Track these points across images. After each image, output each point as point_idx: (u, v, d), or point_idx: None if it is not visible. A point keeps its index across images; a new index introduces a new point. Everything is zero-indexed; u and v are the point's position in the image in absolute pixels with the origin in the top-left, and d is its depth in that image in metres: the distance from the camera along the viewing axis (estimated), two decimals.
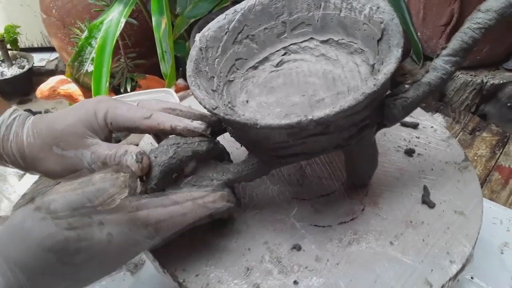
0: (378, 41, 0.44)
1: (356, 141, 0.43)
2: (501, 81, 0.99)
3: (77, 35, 1.09)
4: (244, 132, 0.42)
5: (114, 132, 0.46)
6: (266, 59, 0.52)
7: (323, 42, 0.51)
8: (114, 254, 0.36)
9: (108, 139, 0.45)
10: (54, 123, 0.44)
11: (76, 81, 1.08)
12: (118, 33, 0.96)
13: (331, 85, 0.48)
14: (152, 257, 0.44)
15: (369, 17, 0.45)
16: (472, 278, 0.57)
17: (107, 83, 0.96)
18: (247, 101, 0.49)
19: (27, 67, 1.70)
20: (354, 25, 0.47)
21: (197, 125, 0.43)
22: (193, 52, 0.46)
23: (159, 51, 0.95)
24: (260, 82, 0.50)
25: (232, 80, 0.49)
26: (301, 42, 0.52)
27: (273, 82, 0.50)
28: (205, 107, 0.40)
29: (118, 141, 0.53)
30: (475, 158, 0.80)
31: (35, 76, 1.73)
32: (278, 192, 0.50)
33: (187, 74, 0.44)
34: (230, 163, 0.45)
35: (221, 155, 0.45)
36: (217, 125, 0.46)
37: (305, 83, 0.49)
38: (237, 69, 0.50)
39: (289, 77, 0.50)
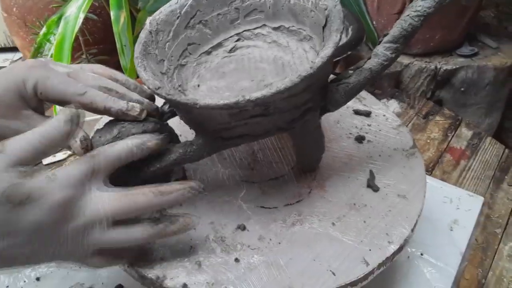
0: (323, 27, 0.43)
1: (300, 125, 0.42)
2: (454, 67, 0.99)
3: (37, 32, 1.05)
4: (188, 113, 0.40)
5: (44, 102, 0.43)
6: (219, 44, 0.50)
7: (275, 29, 0.50)
8: (64, 215, 0.33)
9: (39, 109, 0.42)
10: None
11: None
12: (77, 28, 0.92)
13: (280, 70, 0.47)
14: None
15: (316, 3, 0.44)
16: (422, 254, 0.57)
17: None
18: (198, 86, 0.47)
19: None
20: (303, 12, 0.46)
21: (132, 108, 0.40)
22: (142, 35, 0.45)
23: (118, 45, 0.91)
24: (212, 67, 0.49)
25: (184, 65, 0.48)
26: (254, 28, 0.50)
27: (225, 67, 0.49)
28: (149, 87, 0.39)
29: None
30: (428, 141, 0.80)
31: None
32: (229, 175, 0.49)
33: (134, 56, 0.42)
34: (176, 144, 0.44)
35: (169, 136, 0.44)
36: (154, 112, 0.43)
37: (255, 68, 0.48)
38: (190, 53, 0.49)
39: (241, 63, 0.49)
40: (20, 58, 1.70)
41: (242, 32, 0.50)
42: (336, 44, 0.37)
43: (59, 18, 0.89)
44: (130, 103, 0.40)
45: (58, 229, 0.33)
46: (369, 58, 0.42)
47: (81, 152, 0.37)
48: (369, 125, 0.58)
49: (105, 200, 0.35)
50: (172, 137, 0.44)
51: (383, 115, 0.60)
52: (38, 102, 0.41)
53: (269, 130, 0.41)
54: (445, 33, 0.97)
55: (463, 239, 0.61)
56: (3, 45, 1.75)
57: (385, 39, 0.41)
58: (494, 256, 0.60)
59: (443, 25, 0.96)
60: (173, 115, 0.47)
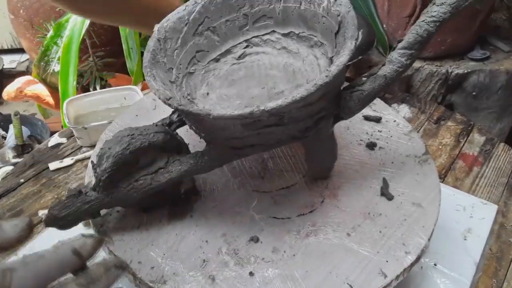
0: (336, 34, 0.43)
1: (313, 133, 0.42)
2: (466, 71, 0.99)
3: (44, 34, 1.06)
4: (200, 123, 0.41)
5: None
6: (228, 51, 0.51)
7: (284, 35, 0.50)
8: None
9: None
10: None
11: (43, 81, 1.05)
12: (84, 30, 0.94)
13: (291, 77, 0.47)
14: (108, 250, 0.43)
15: (327, 9, 0.44)
16: (435, 264, 0.57)
17: (75, 82, 0.94)
18: (207, 94, 0.48)
19: None
20: (313, 18, 0.46)
21: None
22: (151, 43, 0.45)
23: (125, 48, 0.93)
24: (221, 75, 0.49)
25: (193, 72, 0.49)
26: (263, 35, 0.51)
27: (234, 74, 0.49)
28: (159, 98, 0.39)
29: None
30: (440, 147, 0.80)
31: (5, 78, 1.68)
32: (239, 184, 0.50)
33: (143, 65, 0.43)
34: (186, 154, 0.44)
35: (179, 147, 0.44)
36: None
37: (266, 75, 0.48)
38: (198, 61, 0.49)
39: (250, 70, 0.49)
40: (27, 59, 1.71)
41: (251, 38, 0.51)
42: (351, 51, 0.38)
43: (66, 21, 0.90)
44: None
45: None
46: (384, 65, 0.43)
47: None
48: (379, 131, 0.58)
49: None
50: (181, 147, 0.45)
51: (394, 121, 0.60)
52: None
53: (282, 139, 0.41)
54: (456, 36, 0.97)
55: (477, 249, 0.60)
56: (10, 47, 1.76)
57: (400, 45, 0.42)
58: (509, 267, 0.60)
59: (455, 29, 0.96)
60: (181, 124, 0.47)
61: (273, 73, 0.48)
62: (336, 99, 0.42)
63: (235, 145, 0.41)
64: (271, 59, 0.50)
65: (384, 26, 1.02)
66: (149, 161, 0.42)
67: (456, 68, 0.99)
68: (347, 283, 0.40)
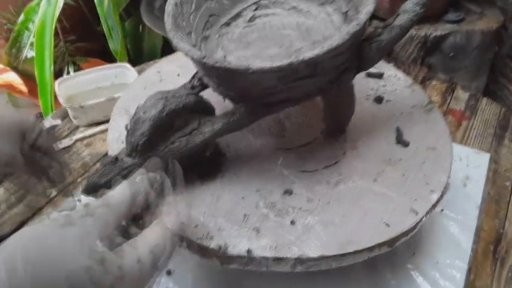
0: None
1: (337, 85, 0.45)
2: (443, 33, 1.05)
3: (13, 21, 1.03)
4: (232, 81, 0.42)
5: None
6: (238, 15, 0.52)
7: None
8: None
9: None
10: None
11: (15, 69, 1.02)
12: (57, 13, 0.92)
13: (305, 35, 0.50)
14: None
15: None
16: (442, 210, 0.62)
17: (51, 67, 0.92)
18: (224, 57, 0.49)
19: None
20: None
21: None
22: (169, 8, 0.46)
23: (105, 28, 0.92)
24: (235, 38, 0.51)
25: (208, 36, 0.50)
26: None
27: (248, 37, 0.51)
28: (192, 58, 0.41)
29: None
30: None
31: None
32: (262, 144, 0.52)
33: (167, 29, 0.44)
34: (216, 115, 0.46)
35: (207, 109, 0.46)
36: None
37: (280, 35, 0.50)
38: (211, 25, 0.51)
39: (263, 31, 0.51)
40: None
41: (260, 0, 0.53)
42: (375, 0, 0.40)
43: (37, 4, 0.87)
44: None
45: None
46: (398, 15, 0.46)
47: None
48: (384, 86, 0.61)
49: None
50: (209, 109, 0.47)
51: (395, 76, 0.64)
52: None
53: (310, 92, 0.44)
54: (432, 0, 1.03)
55: (477, 193, 0.66)
56: None
57: None
58: (508, 207, 0.65)
59: None
60: (203, 88, 0.49)
61: (287, 32, 0.51)
62: (357, 51, 0.45)
63: (267, 101, 0.43)
64: (282, 20, 0.52)
65: None
66: (182, 124, 0.43)
67: (434, 31, 1.05)
68: (384, 223, 0.43)
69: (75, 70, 1.12)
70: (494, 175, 0.70)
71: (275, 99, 0.43)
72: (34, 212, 0.61)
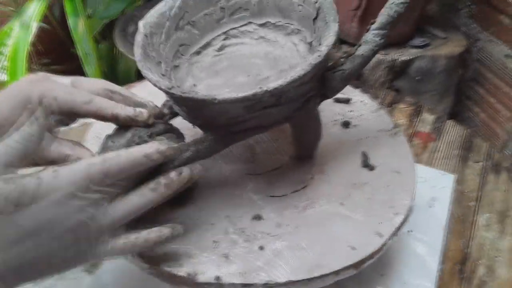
0: (314, 20, 0.48)
1: (303, 113, 0.47)
2: (409, 58, 1.10)
3: None
4: (200, 111, 0.44)
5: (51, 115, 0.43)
6: (208, 44, 0.54)
7: (261, 25, 0.54)
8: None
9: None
10: None
11: None
12: (30, 38, 0.93)
13: (273, 64, 0.52)
14: None
15: None
16: (409, 231, 0.64)
17: None
18: (194, 85, 0.51)
19: None
20: (289, 7, 0.52)
21: (140, 114, 0.42)
22: (139, 38, 0.47)
23: (81, 53, 0.93)
24: (205, 66, 0.53)
25: (178, 66, 0.52)
26: (240, 26, 0.55)
27: (217, 65, 0.53)
28: (160, 89, 0.42)
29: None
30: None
31: None
32: (232, 170, 0.53)
33: (137, 59, 0.45)
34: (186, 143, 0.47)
35: (178, 137, 0.47)
36: (159, 115, 0.46)
37: (248, 64, 0.53)
38: (182, 55, 0.52)
39: (232, 60, 0.54)
40: None
41: (229, 30, 0.55)
42: (336, 32, 0.43)
43: (10, 29, 0.88)
44: (138, 109, 0.43)
45: (71, 224, 0.35)
46: (359, 45, 0.49)
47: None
48: (350, 111, 0.64)
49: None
50: (180, 137, 0.48)
51: (361, 101, 0.67)
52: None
53: (278, 120, 0.46)
54: (398, 26, 1.08)
55: (443, 214, 0.68)
56: None
57: (373, 26, 0.48)
58: (472, 227, 0.68)
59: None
60: (173, 116, 0.50)
61: (255, 61, 0.53)
62: (321, 80, 0.48)
63: (235, 129, 0.45)
64: (251, 49, 0.54)
65: None
66: None
67: (400, 55, 1.10)
68: (349, 246, 0.45)
69: None
70: (459, 196, 0.73)
71: (242, 127, 0.45)
72: None
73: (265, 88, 0.39)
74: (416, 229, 0.65)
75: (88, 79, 0.46)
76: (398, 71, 1.10)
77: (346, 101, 0.66)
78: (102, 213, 0.37)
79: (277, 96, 0.42)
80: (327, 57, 0.42)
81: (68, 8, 0.93)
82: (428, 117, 0.92)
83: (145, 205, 0.39)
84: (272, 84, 0.39)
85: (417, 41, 1.14)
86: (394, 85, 1.13)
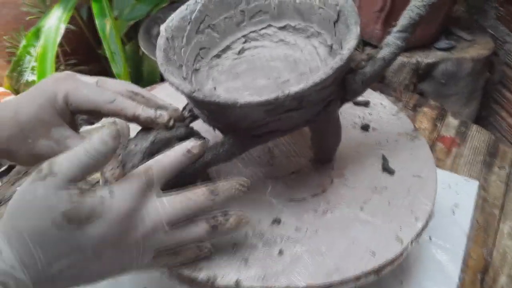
0: (335, 22, 0.49)
1: (324, 116, 0.47)
2: (434, 60, 1.09)
3: (15, 45, 1.07)
4: (221, 114, 0.45)
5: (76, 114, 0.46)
6: (228, 47, 0.55)
7: (280, 28, 0.55)
8: (128, 226, 0.37)
9: (72, 122, 0.45)
10: (18, 113, 0.43)
11: (16, 92, 1.06)
12: (58, 39, 0.96)
13: (293, 67, 0.53)
14: None
15: (324, 1, 0.50)
16: (430, 238, 0.64)
17: None
18: (214, 88, 0.52)
19: None
20: (309, 10, 0.52)
21: (160, 116, 0.44)
22: (161, 42, 0.49)
23: (108, 53, 0.96)
24: (225, 70, 0.54)
25: (198, 69, 0.53)
26: (260, 29, 0.56)
27: (237, 68, 0.54)
28: (182, 92, 0.43)
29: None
30: (420, 131, 0.88)
31: None
32: (251, 173, 0.54)
33: (159, 63, 0.46)
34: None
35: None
36: (180, 118, 0.47)
37: (268, 67, 0.53)
38: (202, 58, 0.53)
39: (252, 63, 0.54)
40: None
41: (249, 33, 0.56)
42: (357, 35, 0.43)
43: (39, 30, 0.91)
44: (158, 111, 0.44)
45: (122, 241, 0.37)
46: (381, 48, 0.49)
47: (113, 180, 0.40)
48: (370, 114, 0.64)
49: (164, 205, 0.38)
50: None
51: (381, 104, 0.67)
52: (71, 116, 0.44)
53: (298, 123, 0.46)
54: (423, 28, 1.06)
55: (466, 221, 0.68)
56: None
57: (395, 29, 0.48)
58: (496, 235, 0.67)
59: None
60: (193, 119, 0.51)
61: (275, 64, 0.54)
62: (342, 83, 0.48)
63: (255, 132, 0.46)
64: (270, 52, 0.55)
65: None
66: None
67: (425, 58, 1.09)
68: (370, 251, 0.45)
69: None
70: (483, 203, 0.72)
71: (263, 130, 0.45)
72: None
73: (287, 92, 0.40)
74: (438, 236, 0.64)
75: (112, 80, 0.47)
76: (423, 74, 1.09)
77: (366, 103, 0.66)
78: (153, 239, 0.39)
79: (299, 100, 0.42)
80: (349, 60, 0.43)
81: (95, 9, 0.96)
82: (452, 121, 0.91)
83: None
84: (294, 88, 0.40)
85: (443, 43, 1.13)
86: (418, 88, 1.12)
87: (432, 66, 1.08)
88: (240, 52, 0.55)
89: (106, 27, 0.93)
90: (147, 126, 0.44)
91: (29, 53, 0.96)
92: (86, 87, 0.44)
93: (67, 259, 0.35)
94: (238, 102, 0.40)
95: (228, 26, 0.55)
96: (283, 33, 0.55)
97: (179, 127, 0.45)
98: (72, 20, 1.17)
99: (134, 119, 0.44)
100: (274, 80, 0.51)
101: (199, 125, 0.50)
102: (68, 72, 0.46)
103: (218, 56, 0.55)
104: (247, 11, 0.55)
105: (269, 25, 0.56)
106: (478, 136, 0.88)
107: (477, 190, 0.74)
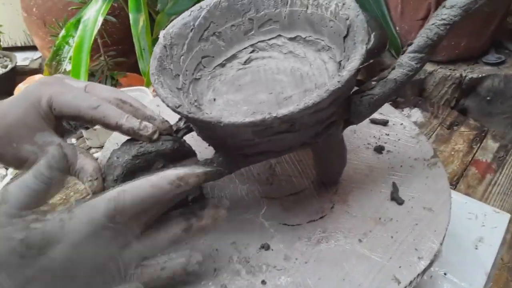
0: (344, 37, 0.45)
1: (323, 139, 0.44)
2: (480, 75, 1.01)
3: (56, 33, 1.09)
4: (209, 131, 0.43)
5: (62, 119, 0.45)
6: (233, 56, 0.53)
7: (291, 39, 0.52)
8: (95, 245, 0.35)
9: (58, 128, 0.44)
10: (5, 115, 0.43)
11: None
12: (95, 31, 0.97)
13: (299, 82, 0.49)
14: None
15: (335, 13, 0.46)
16: (445, 274, 0.59)
17: None
18: (214, 99, 0.50)
19: (10, 66, 1.66)
20: (321, 21, 0.49)
21: (145, 127, 0.42)
22: (157, 50, 0.47)
23: (137, 48, 0.96)
24: (227, 80, 0.52)
25: (199, 78, 0.51)
26: (269, 39, 0.53)
27: (241, 79, 0.51)
28: (168, 105, 0.41)
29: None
30: (453, 153, 0.82)
31: (19, 76, 1.70)
32: (248, 191, 0.52)
33: (150, 72, 0.45)
34: (196, 162, 0.46)
35: (187, 155, 0.46)
36: (168, 131, 0.45)
37: (273, 80, 0.50)
38: (204, 67, 0.51)
39: (257, 75, 0.52)
40: (40, 57, 1.77)
41: (257, 43, 0.53)
42: (362, 56, 0.40)
43: (78, 21, 0.93)
44: (143, 123, 0.42)
45: (94, 259, 0.35)
46: (393, 68, 0.45)
47: (88, 189, 0.39)
48: (387, 135, 0.60)
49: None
50: (190, 155, 0.47)
51: (401, 124, 0.62)
52: (56, 121, 0.44)
53: (292, 145, 0.43)
54: (471, 40, 0.99)
55: (489, 258, 0.62)
56: (23, 44, 1.83)
57: (410, 48, 0.44)
58: None
59: (469, 32, 0.98)
60: (189, 131, 0.49)
61: (280, 77, 0.51)
62: (346, 104, 0.45)
63: (245, 152, 0.43)
64: (277, 64, 0.52)
65: (397, 28, 1.04)
66: (159, 169, 0.44)
67: (470, 72, 1.01)
68: None
69: (113, 84, 1.16)
70: (510, 239, 0.67)
71: (253, 151, 0.43)
72: None
73: (274, 115, 0.37)
74: (454, 272, 0.59)
75: (102, 86, 0.46)
76: (466, 88, 1.02)
77: (384, 123, 0.62)
78: (128, 251, 0.37)
79: (290, 123, 0.39)
80: (350, 82, 0.39)
81: (131, 3, 0.97)
82: (491, 145, 0.84)
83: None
84: (282, 111, 0.37)
85: (492, 57, 1.05)
86: (460, 104, 1.04)
87: (477, 81, 1.01)
88: (246, 62, 0.53)
89: (139, 22, 0.93)
90: (130, 136, 0.43)
91: (67, 43, 0.98)
92: (72, 92, 0.43)
93: (39, 283, 0.33)
94: (222, 121, 0.38)
95: (235, 35, 0.53)
96: (293, 45, 0.52)
97: (165, 141, 0.43)
98: (121, 11, 1.19)
99: (117, 128, 0.42)
100: (276, 96, 0.48)
101: (195, 137, 0.48)
102: (57, 76, 0.45)
103: (222, 65, 0.52)
104: (256, 19, 0.52)
105: (279, 35, 0.53)
106: None
107: (507, 224, 0.68)
